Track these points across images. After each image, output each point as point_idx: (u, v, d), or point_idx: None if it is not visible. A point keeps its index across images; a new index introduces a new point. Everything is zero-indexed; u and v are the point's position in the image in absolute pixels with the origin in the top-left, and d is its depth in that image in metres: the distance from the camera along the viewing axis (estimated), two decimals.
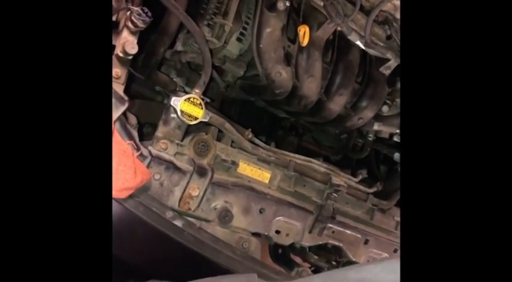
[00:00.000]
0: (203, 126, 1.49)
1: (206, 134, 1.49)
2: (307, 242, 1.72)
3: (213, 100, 1.59)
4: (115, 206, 1.29)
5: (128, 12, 1.21)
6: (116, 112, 1.20)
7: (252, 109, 2.02)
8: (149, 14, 1.20)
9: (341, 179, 1.79)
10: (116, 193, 1.19)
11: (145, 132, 1.51)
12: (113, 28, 1.29)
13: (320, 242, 1.75)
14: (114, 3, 1.26)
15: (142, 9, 1.19)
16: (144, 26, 1.21)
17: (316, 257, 1.89)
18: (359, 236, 1.87)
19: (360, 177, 1.88)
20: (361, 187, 1.87)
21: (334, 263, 1.91)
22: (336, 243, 1.80)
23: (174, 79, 1.64)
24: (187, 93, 1.58)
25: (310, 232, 1.70)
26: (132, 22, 1.21)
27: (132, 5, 1.23)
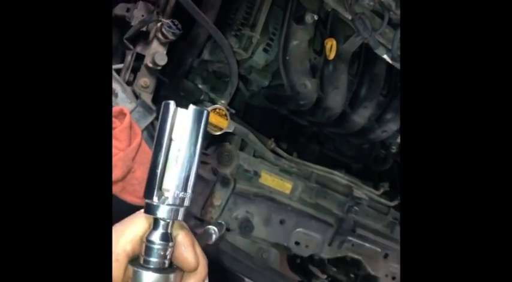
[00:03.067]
0: (227, 135, 1.50)
1: (230, 143, 1.50)
2: (327, 254, 1.71)
3: (238, 110, 1.60)
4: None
5: (159, 24, 1.24)
6: (144, 122, 1.22)
7: (274, 116, 2.03)
8: (179, 26, 1.22)
9: (363, 191, 1.78)
10: (141, 201, 1.22)
11: None
12: (143, 38, 1.32)
13: (339, 255, 1.74)
14: (145, 15, 1.29)
15: (172, 22, 1.21)
16: (174, 38, 1.23)
17: (334, 269, 1.89)
18: (379, 249, 1.85)
19: (382, 190, 1.86)
20: (382, 200, 1.86)
21: (352, 276, 1.90)
22: (355, 256, 1.79)
23: (200, 86, 1.65)
24: (212, 100, 1.61)
25: (329, 244, 1.69)
26: (163, 34, 1.23)
27: (163, 17, 1.25)
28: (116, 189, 1.17)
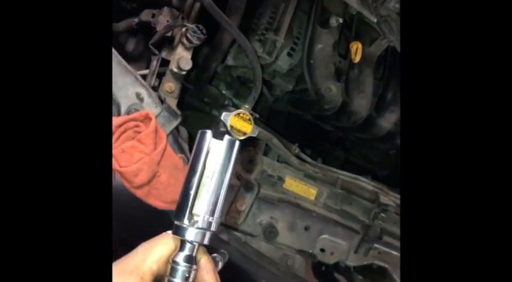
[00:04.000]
0: (251, 140, 1.49)
1: (254, 148, 1.49)
2: (352, 261, 1.68)
3: (262, 115, 1.60)
4: (162, 217, 1.32)
5: (184, 29, 1.25)
6: (169, 126, 1.23)
7: (299, 121, 2.01)
8: (204, 31, 1.23)
9: (389, 198, 1.74)
10: (165, 205, 1.22)
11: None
12: (168, 43, 1.33)
13: (365, 263, 1.70)
14: (170, 20, 1.30)
15: (197, 27, 1.22)
16: (198, 42, 1.23)
17: (360, 277, 1.84)
18: None
19: None
20: None
21: None
22: (382, 264, 1.75)
23: (224, 92, 1.66)
24: (235, 105, 1.61)
25: (355, 252, 1.66)
26: (187, 39, 1.24)
27: (188, 22, 1.26)
28: (141, 194, 1.17)
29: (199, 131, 0.59)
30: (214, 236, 1.37)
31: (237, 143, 0.59)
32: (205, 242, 0.58)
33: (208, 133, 0.58)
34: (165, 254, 0.59)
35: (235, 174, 1.45)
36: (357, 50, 1.47)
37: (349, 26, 1.56)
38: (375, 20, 1.48)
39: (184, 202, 0.57)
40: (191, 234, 0.57)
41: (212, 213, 0.58)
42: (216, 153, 0.58)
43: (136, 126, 1.13)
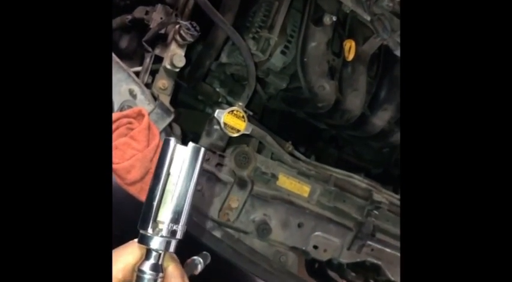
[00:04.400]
0: (244, 137, 1.49)
1: (247, 145, 1.49)
2: (345, 258, 1.69)
3: (256, 113, 1.60)
4: None
5: (177, 26, 1.25)
6: (162, 123, 1.23)
7: (292, 119, 2.01)
8: (197, 28, 1.23)
9: (382, 195, 1.75)
10: None
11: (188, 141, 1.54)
12: (162, 41, 1.33)
13: (358, 259, 1.71)
14: (164, 17, 1.30)
15: (191, 24, 1.22)
16: (192, 39, 1.24)
17: (353, 274, 1.85)
18: (399, 254, 1.81)
19: None
20: None
21: (371, 281, 1.87)
22: (375, 261, 1.76)
23: (217, 89, 1.66)
24: (229, 103, 1.61)
25: (348, 249, 1.67)
26: (181, 36, 1.24)
27: (181, 19, 1.26)
28: (134, 190, 1.17)
29: (164, 138, 0.60)
30: (208, 234, 1.38)
31: (203, 150, 0.58)
32: (171, 249, 0.58)
33: (172, 140, 0.58)
34: (131, 263, 0.59)
35: (229, 171, 1.45)
36: (350, 48, 1.48)
37: (343, 24, 1.57)
38: (369, 19, 1.49)
39: (148, 210, 0.57)
40: (156, 242, 0.57)
41: (177, 221, 0.57)
42: (180, 160, 0.57)
43: (129, 123, 1.13)
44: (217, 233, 1.38)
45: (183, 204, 0.57)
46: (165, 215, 0.57)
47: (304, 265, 1.95)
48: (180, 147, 0.57)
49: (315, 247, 1.61)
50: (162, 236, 0.57)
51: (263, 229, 1.49)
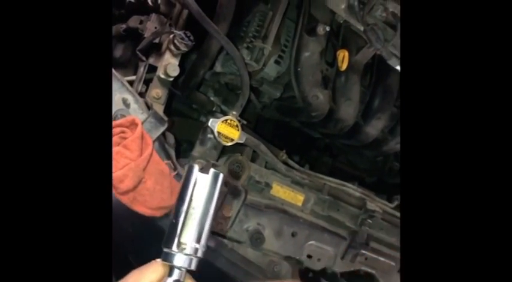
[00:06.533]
0: (238, 146, 1.49)
1: (241, 154, 1.49)
2: (339, 268, 1.68)
3: (250, 122, 1.60)
4: (149, 224, 1.31)
5: (171, 36, 1.25)
6: (156, 132, 1.23)
7: (286, 128, 2.02)
8: (191, 37, 1.23)
9: (376, 204, 1.75)
10: (151, 211, 1.22)
11: (181, 150, 1.54)
12: (156, 50, 1.33)
13: (352, 269, 1.71)
14: (158, 27, 1.30)
15: (185, 33, 1.22)
16: (186, 49, 1.24)
17: None
18: (393, 263, 1.81)
19: (396, 202, 1.83)
20: (396, 213, 1.82)
21: None
22: (369, 270, 1.76)
23: (212, 98, 1.66)
24: (223, 112, 1.61)
25: (342, 258, 1.66)
26: (175, 45, 1.24)
27: (176, 29, 1.26)
28: (127, 200, 1.17)
29: (187, 165, 0.66)
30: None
31: (221, 175, 0.65)
32: (193, 267, 0.63)
33: (196, 167, 0.64)
34: (154, 281, 0.63)
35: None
36: (343, 57, 1.49)
37: (336, 34, 1.58)
38: (362, 28, 1.50)
39: (173, 230, 0.62)
40: (180, 260, 0.62)
41: (198, 241, 0.62)
42: (202, 186, 0.63)
43: (122, 132, 1.13)
44: (211, 243, 1.37)
45: (204, 225, 0.63)
46: (188, 235, 0.62)
47: (298, 275, 1.94)
48: (201, 174, 0.64)
49: (309, 256, 1.61)
50: (185, 254, 0.62)
51: (257, 238, 1.48)
